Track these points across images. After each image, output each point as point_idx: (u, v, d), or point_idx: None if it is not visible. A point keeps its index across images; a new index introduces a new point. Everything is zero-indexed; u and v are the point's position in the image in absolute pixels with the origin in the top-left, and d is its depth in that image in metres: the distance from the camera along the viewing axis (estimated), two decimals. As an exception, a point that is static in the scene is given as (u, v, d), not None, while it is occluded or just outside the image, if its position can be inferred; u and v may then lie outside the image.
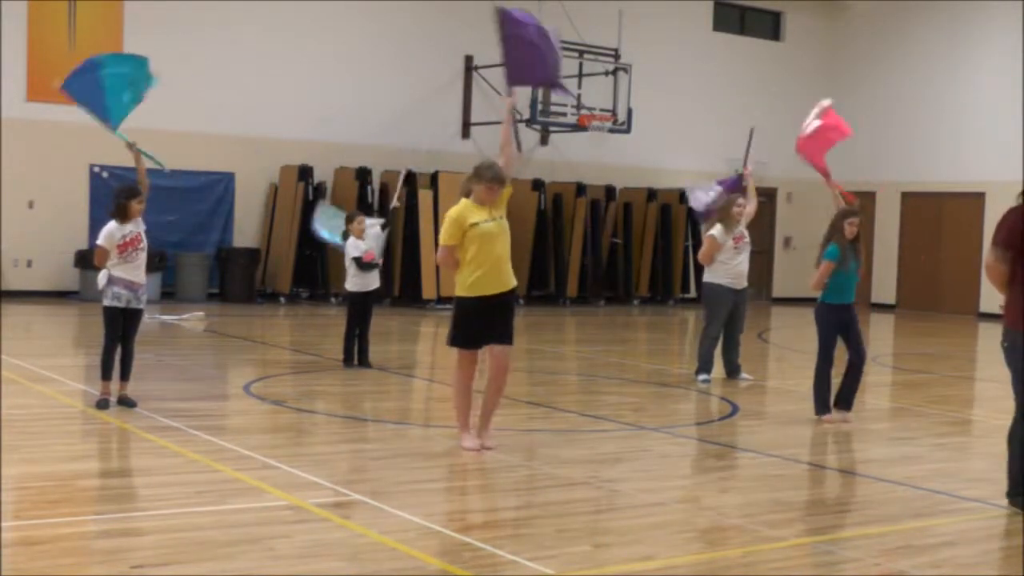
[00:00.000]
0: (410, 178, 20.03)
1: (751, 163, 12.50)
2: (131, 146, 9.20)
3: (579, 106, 20.60)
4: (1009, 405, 6.91)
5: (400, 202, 12.40)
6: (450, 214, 7.57)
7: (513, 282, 7.68)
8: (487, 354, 7.69)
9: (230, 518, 5.81)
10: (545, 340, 15.93)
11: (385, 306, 18.75)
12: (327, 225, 12.35)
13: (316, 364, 12.17)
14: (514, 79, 8.24)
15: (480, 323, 7.56)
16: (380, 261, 11.87)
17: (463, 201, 7.60)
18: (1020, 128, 22.02)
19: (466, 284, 7.56)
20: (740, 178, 12.21)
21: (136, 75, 9.36)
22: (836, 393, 9.49)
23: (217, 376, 11.73)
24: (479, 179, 7.56)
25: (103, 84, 9.25)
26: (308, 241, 19.71)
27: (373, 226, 11.94)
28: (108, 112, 9.31)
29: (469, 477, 7.18)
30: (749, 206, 11.77)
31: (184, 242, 19.32)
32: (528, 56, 8.05)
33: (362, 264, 11.55)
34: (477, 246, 7.48)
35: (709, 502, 6.62)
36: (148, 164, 9.16)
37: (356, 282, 11.61)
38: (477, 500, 6.79)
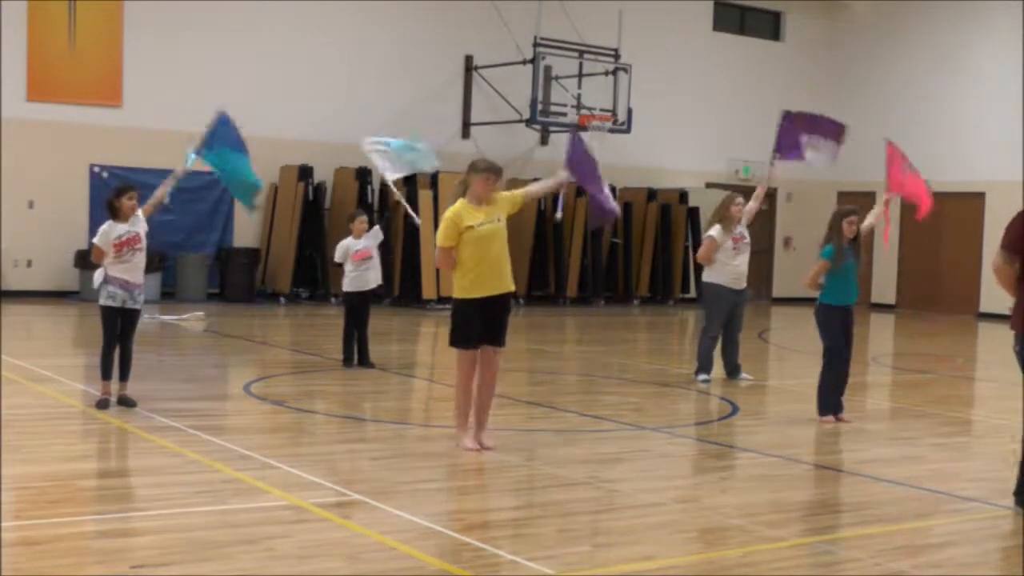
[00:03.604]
0: (409, 178, 20.03)
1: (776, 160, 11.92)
2: (176, 176, 9.12)
3: (579, 106, 20.60)
4: (1010, 405, 6.91)
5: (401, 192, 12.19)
6: (446, 216, 7.56)
7: (511, 285, 7.66)
8: (479, 355, 7.69)
9: (230, 518, 5.81)
10: (545, 340, 15.92)
11: (385, 306, 18.75)
12: (400, 162, 11.38)
13: (316, 364, 12.17)
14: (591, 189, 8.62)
15: (477, 324, 7.56)
16: (375, 254, 11.67)
17: (460, 202, 7.58)
18: (1020, 128, 22.02)
19: (462, 285, 7.57)
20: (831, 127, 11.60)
21: (241, 178, 9.31)
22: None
23: (217, 376, 11.73)
24: (475, 171, 7.54)
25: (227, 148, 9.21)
26: (308, 241, 19.78)
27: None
28: (207, 148, 9.14)
29: (469, 477, 7.18)
30: (751, 204, 11.73)
31: (184, 242, 19.32)
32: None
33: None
34: (473, 248, 7.47)
35: (709, 502, 6.62)
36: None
37: (351, 281, 11.59)
38: (477, 500, 6.79)
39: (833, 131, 11.31)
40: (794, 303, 23.95)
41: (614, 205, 8.74)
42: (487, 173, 7.51)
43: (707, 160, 24.72)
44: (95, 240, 8.68)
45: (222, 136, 9.19)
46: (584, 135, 9.05)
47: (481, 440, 7.71)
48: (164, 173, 9.51)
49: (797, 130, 11.39)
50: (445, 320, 7.74)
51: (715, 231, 11.45)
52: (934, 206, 10.28)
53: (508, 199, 7.70)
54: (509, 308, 7.74)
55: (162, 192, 8.98)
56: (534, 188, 8.24)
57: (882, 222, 9.95)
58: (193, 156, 9.09)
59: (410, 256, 19.56)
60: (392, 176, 11.38)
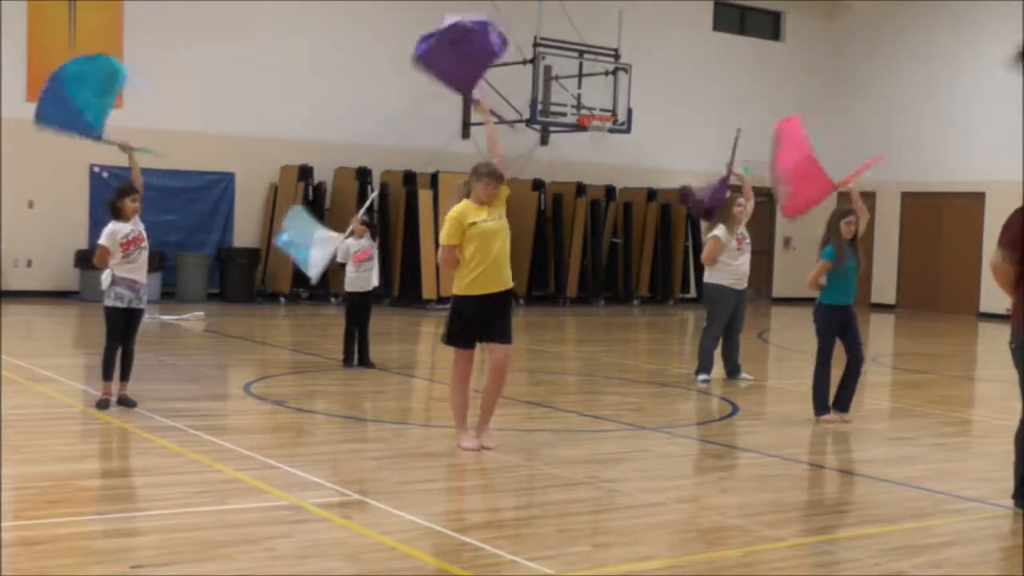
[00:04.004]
0: (409, 178, 20.07)
1: (737, 166, 12.16)
2: (123, 147, 9.16)
3: (579, 106, 20.60)
4: (1010, 405, 6.91)
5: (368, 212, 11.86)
6: (450, 214, 7.61)
7: (510, 282, 7.71)
8: (487, 353, 7.70)
9: (230, 518, 5.81)
10: (545, 340, 15.92)
11: (385, 306, 18.75)
12: (298, 238, 10.62)
13: (316, 364, 12.17)
14: (461, 87, 8.49)
15: (476, 322, 7.58)
16: (375, 255, 11.68)
17: (463, 201, 7.64)
18: (1020, 128, 22.01)
19: (464, 283, 7.59)
20: (724, 180, 12.00)
21: (103, 74, 9.18)
22: (834, 394, 9.48)
23: (217, 376, 11.73)
24: (476, 177, 7.61)
25: (71, 96, 9.04)
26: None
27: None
28: (88, 125, 9.13)
29: (469, 477, 7.19)
30: (748, 205, 11.78)
31: (184, 242, 19.32)
32: (454, 60, 8.35)
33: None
34: (476, 245, 7.51)
35: (709, 502, 6.62)
36: (141, 158, 9.15)
37: (352, 282, 11.60)
38: (477, 500, 6.79)
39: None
40: (794, 303, 23.95)
41: (495, 39, 8.27)
42: (488, 179, 7.59)
43: (707, 160, 24.66)
44: (101, 241, 8.68)
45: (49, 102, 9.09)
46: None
47: (482, 440, 7.71)
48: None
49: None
50: (445, 320, 7.76)
51: (720, 231, 11.46)
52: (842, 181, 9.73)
53: (501, 195, 7.72)
54: (510, 304, 7.75)
55: (135, 169, 9.03)
56: (492, 145, 8.02)
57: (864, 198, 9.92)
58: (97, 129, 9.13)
59: (410, 256, 19.56)
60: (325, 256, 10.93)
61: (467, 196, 7.66)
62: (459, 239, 7.54)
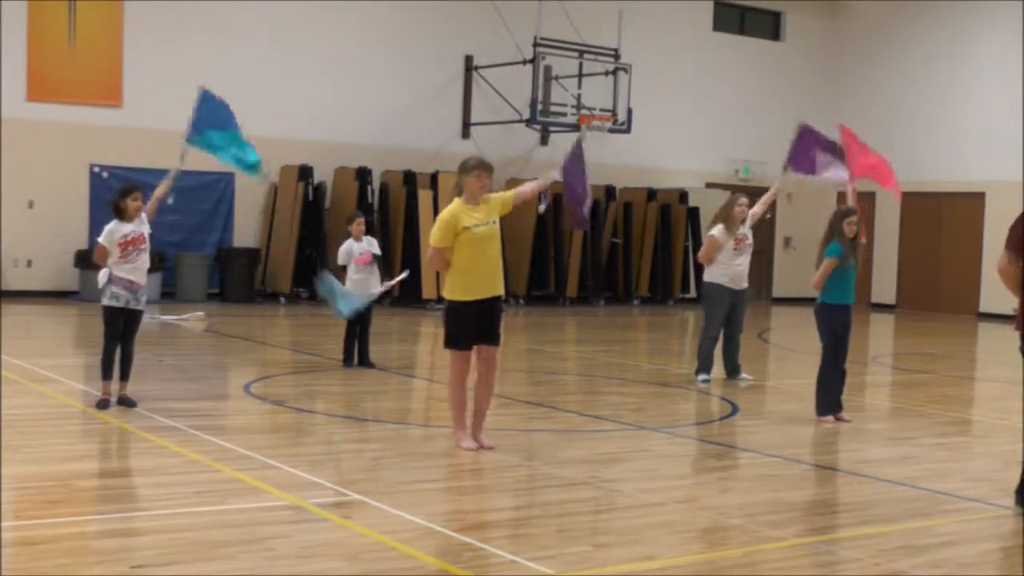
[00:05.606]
0: (410, 178, 20.07)
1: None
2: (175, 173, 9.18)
3: (579, 106, 20.61)
4: (1010, 405, 6.91)
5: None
6: (442, 216, 7.55)
7: (500, 289, 7.66)
8: (476, 355, 7.70)
9: (230, 518, 5.81)
10: (545, 340, 15.92)
11: (385, 306, 18.74)
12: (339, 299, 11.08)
13: (316, 364, 12.17)
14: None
15: (470, 325, 7.56)
16: (374, 262, 11.69)
17: (455, 202, 7.59)
18: (1020, 128, 22.02)
19: (454, 287, 7.57)
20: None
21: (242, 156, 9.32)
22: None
23: (217, 376, 11.73)
24: (465, 171, 7.56)
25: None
26: (308, 241, 19.78)
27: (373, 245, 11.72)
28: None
29: (469, 477, 7.18)
30: (756, 208, 11.76)
31: (184, 242, 19.33)
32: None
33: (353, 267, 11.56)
34: (470, 250, 7.48)
35: (709, 502, 6.62)
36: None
37: (355, 284, 11.59)
38: (477, 500, 6.79)
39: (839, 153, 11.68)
40: (794, 303, 23.95)
41: (586, 215, 8.90)
42: (478, 170, 7.54)
43: (707, 160, 24.72)
44: (100, 239, 8.70)
45: (207, 116, 9.29)
46: (584, 145, 8.98)
47: (480, 439, 7.71)
48: (164, 173, 9.55)
49: (812, 145, 11.60)
50: (442, 323, 7.78)
51: (717, 231, 11.46)
52: (898, 185, 10.34)
53: (500, 201, 7.71)
54: (499, 310, 7.73)
55: (162, 190, 9.04)
56: (524, 188, 8.06)
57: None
58: (184, 143, 9.19)
59: (410, 257, 19.55)
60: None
61: (459, 195, 7.61)
62: (450, 242, 7.49)
